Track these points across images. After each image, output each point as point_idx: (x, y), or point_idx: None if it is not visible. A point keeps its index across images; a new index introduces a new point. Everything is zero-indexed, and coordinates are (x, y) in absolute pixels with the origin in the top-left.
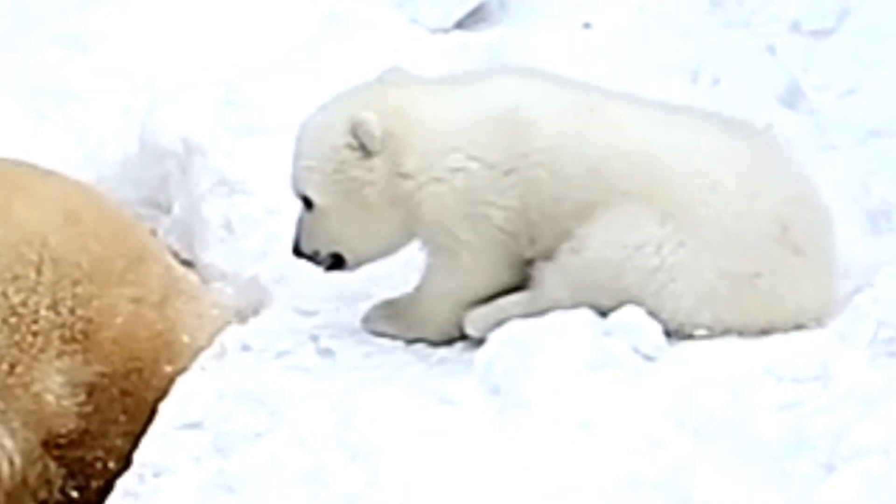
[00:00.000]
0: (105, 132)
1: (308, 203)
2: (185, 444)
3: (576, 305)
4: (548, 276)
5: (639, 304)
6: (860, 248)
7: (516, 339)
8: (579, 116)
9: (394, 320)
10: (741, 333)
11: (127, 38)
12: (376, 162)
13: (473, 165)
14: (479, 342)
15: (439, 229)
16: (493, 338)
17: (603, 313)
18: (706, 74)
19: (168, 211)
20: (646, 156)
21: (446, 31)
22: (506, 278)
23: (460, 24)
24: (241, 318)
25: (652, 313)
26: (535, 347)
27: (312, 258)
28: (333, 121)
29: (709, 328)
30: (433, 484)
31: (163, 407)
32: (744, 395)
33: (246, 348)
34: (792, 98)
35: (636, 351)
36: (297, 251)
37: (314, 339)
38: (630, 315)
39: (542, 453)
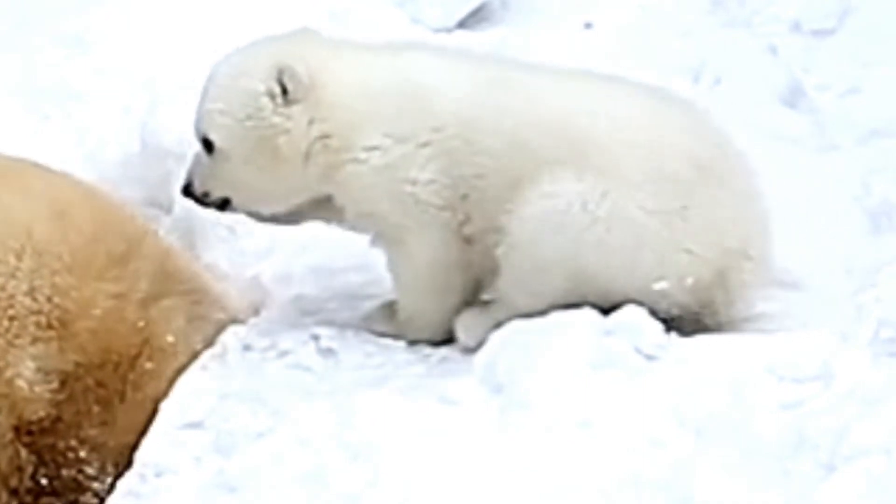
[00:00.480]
0: (106, 132)
1: (209, 146)
2: (186, 444)
3: (545, 296)
4: (501, 278)
5: (588, 264)
6: (861, 247)
7: (517, 338)
8: (491, 87)
9: (392, 321)
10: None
11: (127, 37)
12: (295, 111)
13: (387, 142)
14: (480, 342)
15: (371, 216)
16: (494, 337)
17: (604, 312)
18: (707, 74)
19: (169, 211)
20: (560, 121)
21: (448, 30)
22: (464, 256)
23: (462, 24)
24: (243, 317)
25: (602, 269)
26: (536, 347)
27: (200, 199)
28: (254, 66)
29: (657, 273)
30: (434, 484)
31: (164, 407)
32: (745, 395)
33: (247, 348)
34: (793, 98)
35: (637, 350)
36: (188, 191)
37: (315, 338)
38: (631, 314)
39: (542, 453)
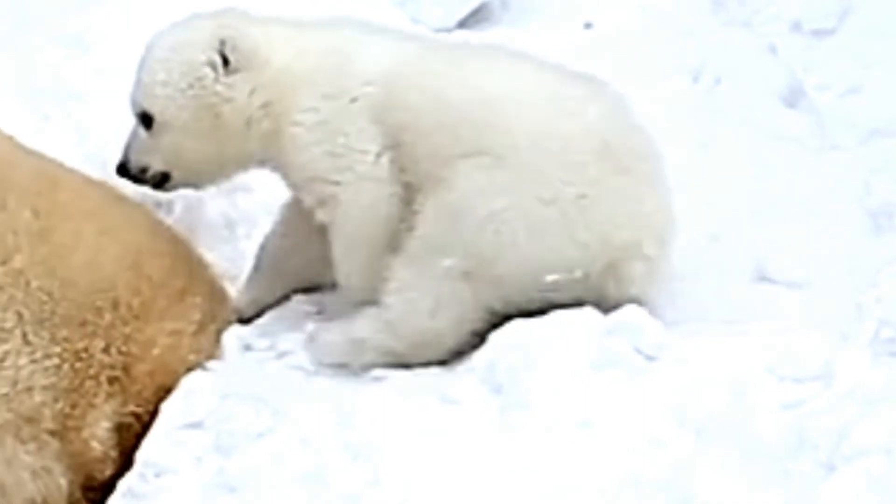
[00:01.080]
0: (106, 132)
1: (147, 120)
2: (187, 444)
3: (436, 279)
4: (400, 252)
5: (482, 254)
6: (862, 247)
7: (517, 338)
8: (415, 53)
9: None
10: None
11: (128, 37)
12: (237, 80)
13: (321, 102)
14: (481, 342)
15: (312, 178)
16: (494, 337)
17: (604, 312)
18: (707, 74)
19: (170, 210)
20: (467, 103)
21: (448, 30)
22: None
23: (462, 24)
24: None
25: (496, 259)
26: (537, 347)
27: (137, 176)
28: (195, 37)
29: (550, 264)
30: (434, 484)
31: (164, 407)
32: (745, 395)
33: (248, 348)
34: (793, 98)
35: (637, 350)
36: (123, 169)
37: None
38: (631, 314)
39: (543, 453)
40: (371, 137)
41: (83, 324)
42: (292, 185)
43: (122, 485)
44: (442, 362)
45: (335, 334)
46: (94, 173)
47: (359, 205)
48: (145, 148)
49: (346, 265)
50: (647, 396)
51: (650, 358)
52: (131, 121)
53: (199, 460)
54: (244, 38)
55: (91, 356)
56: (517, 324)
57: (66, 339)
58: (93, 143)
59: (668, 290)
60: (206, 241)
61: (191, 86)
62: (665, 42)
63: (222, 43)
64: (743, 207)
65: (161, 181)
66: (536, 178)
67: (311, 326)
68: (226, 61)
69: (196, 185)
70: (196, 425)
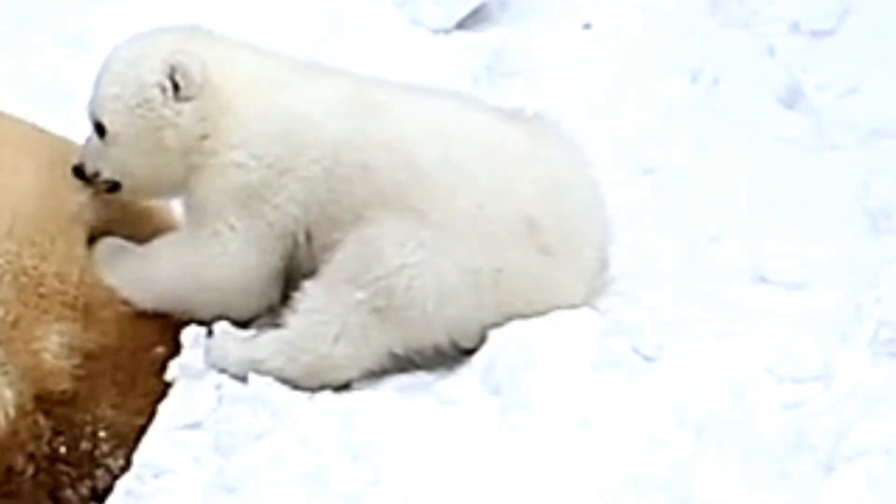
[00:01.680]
0: None
1: (100, 129)
2: (186, 445)
3: (337, 317)
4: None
5: (395, 297)
6: (861, 248)
7: (517, 338)
8: (356, 115)
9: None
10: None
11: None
12: (186, 107)
13: (253, 163)
14: (481, 342)
15: (211, 211)
16: (494, 337)
17: (603, 313)
18: (706, 75)
19: None
20: (403, 153)
21: (447, 31)
22: (264, 275)
23: (461, 25)
24: None
25: (406, 308)
26: (536, 347)
27: (90, 180)
28: (150, 56)
29: (457, 329)
30: (434, 484)
31: (162, 407)
32: (745, 395)
33: None
34: (792, 98)
35: (637, 351)
36: (79, 171)
37: None
38: (631, 315)
39: (543, 453)
40: (292, 217)
41: (33, 244)
42: (187, 210)
43: (121, 485)
44: (441, 363)
45: (233, 347)
46: None
47: (230, 259)
48: (98, 155)
49: (169, 277)
50: (646, 396)
51: (649, 358)
52: None
53: (198, 461)
54: (196, 66)
55: (42, 276)
56: (517, 324)
57: (11, 253)
58: None
59: (668, 291)
60: None
61: (139, 105)
62: (664, 42)
63: (173, 69)
64: (742, 208)
65: (112, 188)
66: (457, 244)
67: (216, 326)
68: (176, 87)
69: (146, 197)
70: (195, 426)
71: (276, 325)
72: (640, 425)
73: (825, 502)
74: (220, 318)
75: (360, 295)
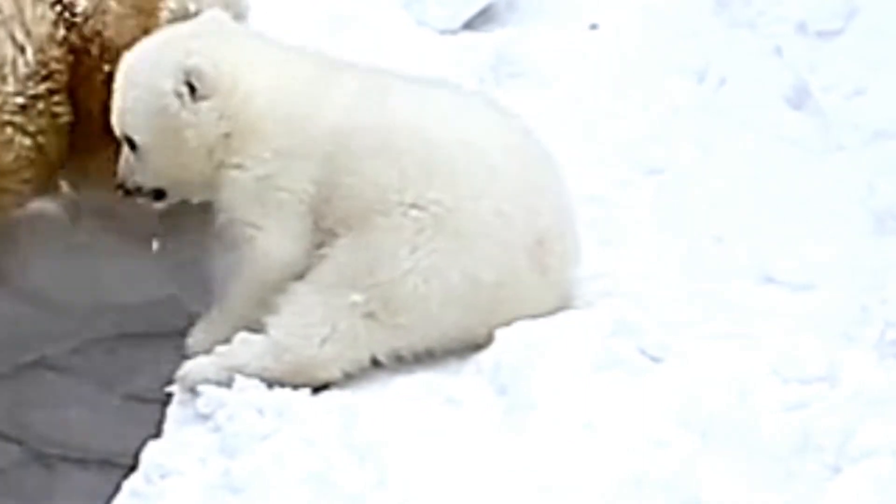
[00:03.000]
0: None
1: (130, 142)
2: (192, 445)
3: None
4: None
5: (394, 300)
6: (867, 249)
7: (523, 339)
8: (368, 99)
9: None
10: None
11: None
12: (204, 106)
13: (270, 156)
14: (487, 343)
15: (238, 215)
16: (500, 338)
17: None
18: (712, 75)
19: None
20: (426, 148)
21: (454, 32)
22: (300, 258)
23: (468, 25)
24: None
25: (403, 312)
26: (542, 348)
27: (135, 193)
28: (164, 63)
29: (443, 336)
30: (439, 484)
31: (169, 410)
32: (750, 396)
33: None
34: (799, 99)
35: (642, 351)
36: (123, 188)
37: None
38: (635, 315)
39: (548, 453)
40: (308, 195)
41: None
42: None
43: (127, 486)
44: (446, 363)
45: (209, 360)
46: None
47: (270, 256)
48: (136, 168)
49: (237, 297)
50: (651, 397)
51: (654, 359)
52: None
53: (203, 461)
54: (210, 66)
55: None
56: (522, 324)
57: None
58: None
59: (673, 292)
60: None
61: (160, 112)
62: (670, 43)
63: (188, 73)
64: (747, 209)
65: (158, 196)
66: (467, 251)
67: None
68: (192, 89)
69: (192, 198)
70: (201, 426)
71: (253, 331)
72: (644, 425)
73: (831, 503)
74: None
75: (356, 297)
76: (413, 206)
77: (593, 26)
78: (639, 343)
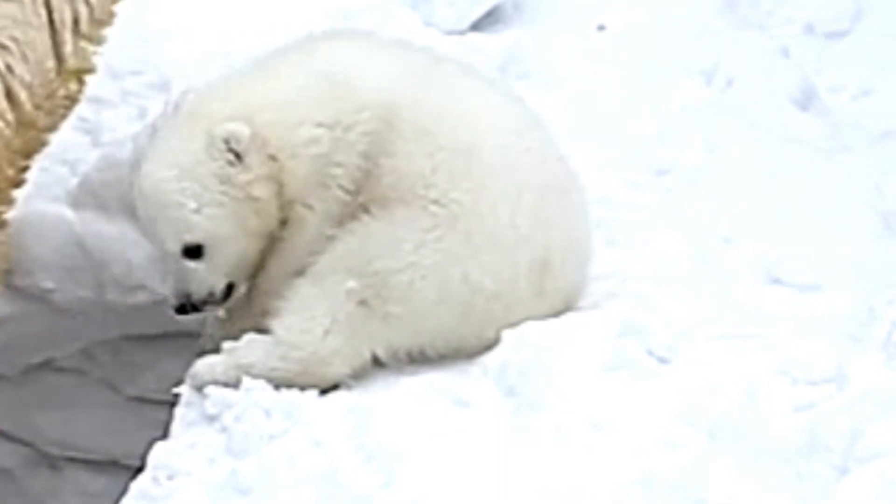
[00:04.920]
0: (120, 134)
1: (194, 251)
2: (199, 446)
3: (331, 300)
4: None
5: (387, 288)
6: (874, 249)
7: (530, 340)
8: (411, 78)
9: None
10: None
11: (142, 39)
12: (251, 160)
13: (318, 131)
14: (493, 344)
15: (297, 202)
16: (507, 339)
17: (616, 315)
18: (720, 76)
19: None
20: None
21: (461, 32)
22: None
23: (475, 26)
24: None
25: (395, 302)
26: (550, 349)
27: (208, 302)
28: (197, 151)
29: (438, 337)
30: (448, 485)
31: (177, 411)
32: (758, 397)
33: None
34: (806, 100)
35: (650, 352)
36: (186, 308)
37: None
38: (643, 316)
39: (555, 454)
40: (352, 178)
41: None
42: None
43: (135, 487)
44: (454, 364)
45: (217, 360)
46: (108, 175)
47: (315, 235)
48: (202, 276)
49: (274, 280)
50: (659, 398)
51: (662, 360)
52: (144, 122)
53: (211, 462)
54: (238, 125)
55: None
56: (530, 325)
57: None
58: (107, 145)
59: (681, 293)
60: None
61: (224, 193)
62: (678, 44)
63: (225, 141)
64: (755, 210)
65: (228, 293)
66: (473, 256)
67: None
68: (237, 154)
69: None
70: (208, 427)
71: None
72: (652, 427)
73: None
74: None
75: (352, 284)
76: (435, 202)
77: (601, 27)
78: (646, 344)
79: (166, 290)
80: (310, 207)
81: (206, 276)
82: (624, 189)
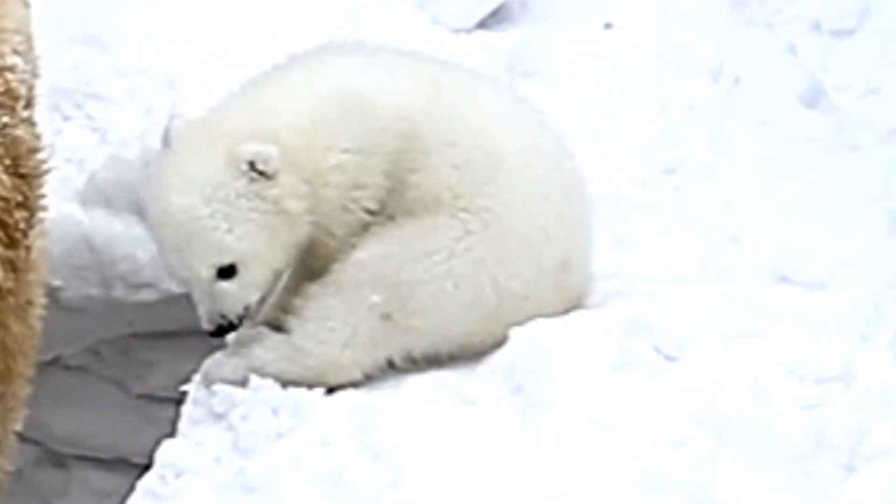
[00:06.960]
0: (127, 132)
1: (228, 272)
2: (206, 444)
3: (355, 314)
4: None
5: (412, 302)
6: (881, 248)
7: (537, 338)
8: (423, 88)
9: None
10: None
11: (149, 38)
12: (281, 178)
13: (344, 157)
14: (502, 342)
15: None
16: (515, 337)
17: (623, 313)
18: (727, 74)
19: None
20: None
21: (468, 31)
22: None
23: (482, 25)
24: None
25: (419, 315)
26: (557, 348)
27: (240, 322)
28: (218, 172)
29: (459, 341)
30: (455, 484)
31: (184, 409)
32: (765, 396)
33: None
34: (813, 98)
35: (657, 351)
36: (226, 326)
37: None
38: (651, 315)
39: (562, 453)
40: (376, 198)
41: None
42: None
43: (142, 485)
44: (462, 362)
45: (228, 358)
46: (114, 173)
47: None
48: (236, 295)
49: (293, 279)
50: (666, 397)
51: (670, 358)
52: (151, 120)
53: (218, 461)
54: (260, 144)
55: None
56: (537, 324)
57: None
58: (114, 143)
59: (688, 291)
60: None
61: (253, 209)
62: (685, 42)
63: (251, 164)
64: (762, 208)
65: (258, 307)
66: (499, 263)
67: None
68: (261, 172)
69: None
70: (216, 425)
71: (276, 329)
72: (660, 425)
73: (846, 503)
74: None
75: (377, 298)
76: (464, 209)
77: (608, 25)
78: (654, 342)
79: (199, 314)
80: (332, 235)
81: (240, 293)
82: (631, 187)
